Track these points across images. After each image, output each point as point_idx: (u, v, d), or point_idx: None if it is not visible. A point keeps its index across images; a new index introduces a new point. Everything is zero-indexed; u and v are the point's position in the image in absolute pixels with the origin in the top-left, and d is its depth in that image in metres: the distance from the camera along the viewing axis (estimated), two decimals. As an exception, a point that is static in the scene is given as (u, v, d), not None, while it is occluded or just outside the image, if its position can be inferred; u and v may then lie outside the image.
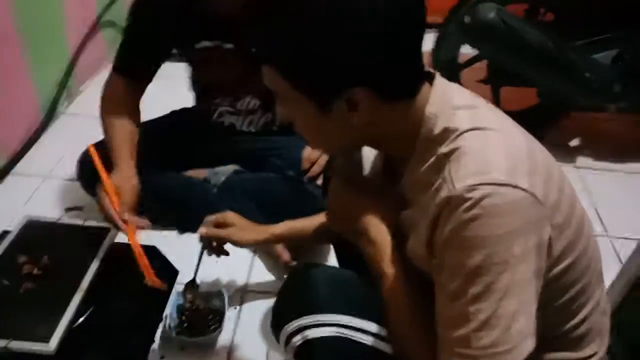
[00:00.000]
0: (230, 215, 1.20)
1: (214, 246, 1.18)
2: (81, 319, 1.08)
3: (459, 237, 0.66)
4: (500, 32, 1.64)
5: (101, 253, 1.19)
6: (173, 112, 1.66)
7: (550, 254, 0.70)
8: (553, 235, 0.69)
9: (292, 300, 0.92)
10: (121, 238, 1.39)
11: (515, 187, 0.65)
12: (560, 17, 1.83)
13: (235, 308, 1.32)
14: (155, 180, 1.50)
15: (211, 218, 1.19)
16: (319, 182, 1.37)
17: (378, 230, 0.82)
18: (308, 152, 1.40)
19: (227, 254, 1.21)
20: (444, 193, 0.68)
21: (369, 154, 0.94)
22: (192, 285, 1.24)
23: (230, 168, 1.56)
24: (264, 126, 1.52)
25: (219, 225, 1.18)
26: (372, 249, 0.82)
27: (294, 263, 1.39)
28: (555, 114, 1.87)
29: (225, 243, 1.19)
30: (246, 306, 1.33)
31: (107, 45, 2.37)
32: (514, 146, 0.71)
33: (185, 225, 1.54)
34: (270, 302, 1.33)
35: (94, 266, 1.16)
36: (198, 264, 1.19)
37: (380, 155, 0.92)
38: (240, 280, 1.39)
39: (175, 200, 1.52)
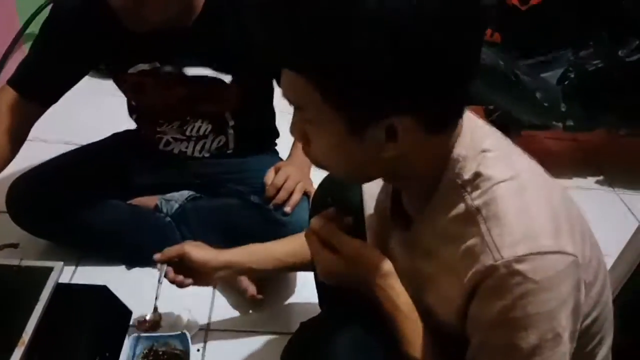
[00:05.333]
0: (189, 243, 1.13)
1: (173, 275, 1.09)
2: (24, 377, 0.94)
3: (509, 318, 0.61)
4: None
5: (44, 296, 1.04)
6: (115, 135, 1.52)
7: (582, 312, 0.66)
8: (584, 294, 0.65)
9: None
10: (65, 276, 1.25)
11: (563, 253, 0.61)
12: (508, 38, 1.87)
13: (198, 350, 1.20)
14: (97, 211, 1.37)
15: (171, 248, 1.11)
16: (287, 209, 1.27)
17: (403, 300, 0.73)
18: (271, 177, 1.30)
19: (189, 281, 1.10)
20: (486, 260, 0.61)
21: (374, 189, 0.85)
22: (154, 313, 1.14)
23: (185, 194, 1.43)
24: (217, 150, 1.42)
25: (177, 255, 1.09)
26: (401, 319, 0.73)
27: (260, 297, 1.30)
28: (505, 134, 1.90)
29: (185, 273, 1.09)
30: (210, 347, 1.22)
31: (31, 60, 2.16)
32: (552, 201, 0.66)
33: (135, 259, 1.40)
34: (235, 341, 1.24)
35: (36, 313, 1.01)
36: (157, 292, 1.11)
37: (387, 192, 0.82)
38: (202, 319, 1.27)
39: (121, 233, 1.38)
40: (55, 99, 1.25)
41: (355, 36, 0.56)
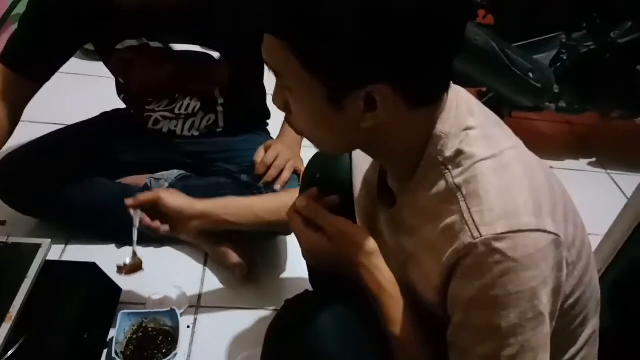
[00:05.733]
0: (164, 190, 1.11)
1: (148, 221, 1.06)
2: (11, 352, 0.94)
3: (489, 297, 0.60)
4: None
5: (32, 273, 1.04)
6: (104, 114, 1.51)
7: (563, 292, 0.66)
8: (566, 274, 0.65)
9: (292, 350, 0.77)
10: (54, 255, 1.25)
11: (544, 231, 0.60)
12: (501, 20, 1.87)
13: (188, 327, 1.20)
14: (85, 189, 1.36)
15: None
16: (277, 187, 1.27)
17: (388, 279, 0.73)
18: (261, 155, 1.30)
19: (166, 227, 1.07)
20: (465, 238, 0.60)
21: (364, 164, 0.85)
22: (133, 257, 1.10)
23: (174, 173, 1.42)
24: (207, 128, 1.41)
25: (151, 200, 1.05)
26: (385, 298, 0.73)
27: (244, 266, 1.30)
28: (497, 116, 1.90)
29: (160, 221, 1.07)
30: (200, 323, 1.22)
31: (20, 41, 2.13)
32: (534, 178, 0.65)
33: (124, 237, 1.39)
34: (225, 317, 1.24)
35: (24, 289, 1.01)
36: (134, 237, 1.07)
37: (375, 168, 0.82)
38: (192, 296, 1.27)
39: (110, 211, 1.37)
40: (48, 76, 1.23)
41: (331, 5, 0.56)
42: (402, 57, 0.59)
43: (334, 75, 0.60)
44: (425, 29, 0.58)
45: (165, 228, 1.07)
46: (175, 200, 1.06)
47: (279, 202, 1.02)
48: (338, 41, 0.57)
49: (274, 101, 0.70)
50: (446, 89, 0.66)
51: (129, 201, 1.05)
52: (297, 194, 1.04)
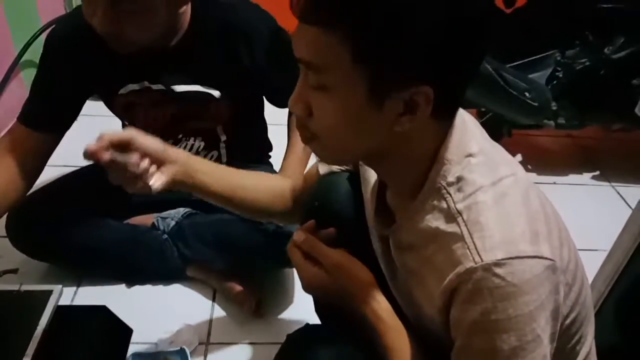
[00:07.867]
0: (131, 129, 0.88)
1: (137, 159, 0.82)
2: (26, 399, 0.96)
3: (489, 321, 0.62)
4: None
5: (44, 320, 1.06)
6: (110, 156, 1.54)
7: (561, 313, 0.68)
8: (563, 295, 0.67)
9: None
10: (67, 297, 1.27)
11: (541, 257, 0.63)
12: (494, 41, 1.88)
13: (199, 364, 1.22)
14: (94, 231, 1.39)
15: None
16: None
17: (384, 308, 0.75)
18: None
19: (154, 168, 0.84)
20: (466, 262, 0.63)
21: (371, 176, 0.84)
22: None
23: (181, 211, 1.45)
24: (211, 165, 1.43)
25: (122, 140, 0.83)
26: (382, 327, 0.75)
27: (258, 310, 1.32)
28: (497, 135, 1.92)
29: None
30: (211, 361, 1.24)
31: (28, 87, 2.19)
32: (530, 206, 0.68)
33: (134, 277, 1.42)
34: (236, 354, 1.25)
35: (36, 337, 1.03)
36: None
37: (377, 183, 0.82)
38: (202, 333, 1.29)
39: (119, 252, 1.40)
40: (64, 126, 1.29)
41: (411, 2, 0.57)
42: (451, 59, 0.60)
43: (389, 71, 0.60)
44: (468, 29, 0.60)
45: (154, 169, 0.84)
46: (149, 140, 0.86)
47: (255, 181, 0.97)
48: (408, 37, 0.58)
49: (293, 105, 0.67)
50: (461, 101, 0.67)
51: (92, 147, 0.80)
52: (269, 180, 1.02)
